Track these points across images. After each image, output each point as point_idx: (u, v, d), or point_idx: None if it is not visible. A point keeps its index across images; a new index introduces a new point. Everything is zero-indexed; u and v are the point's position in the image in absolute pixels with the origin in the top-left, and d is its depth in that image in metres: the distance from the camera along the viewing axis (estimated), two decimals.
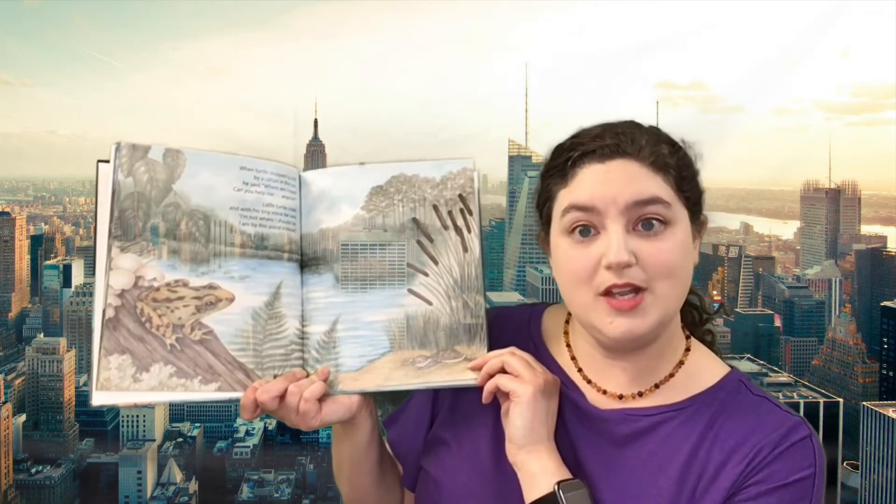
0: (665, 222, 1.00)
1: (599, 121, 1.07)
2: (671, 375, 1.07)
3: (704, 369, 1.09)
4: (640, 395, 1.07)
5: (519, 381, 1.03)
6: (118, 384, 0.98)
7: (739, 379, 1.08)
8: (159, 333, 1.00)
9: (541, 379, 1.03)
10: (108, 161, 1.01)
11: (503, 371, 1.05)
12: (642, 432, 1.05)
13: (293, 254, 1.09)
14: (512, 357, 1.04)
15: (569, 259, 1.02)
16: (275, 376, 1.04)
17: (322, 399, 1.05)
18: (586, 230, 1.01)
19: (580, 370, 1.10)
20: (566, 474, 1.01)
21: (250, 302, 1.04)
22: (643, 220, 1.00)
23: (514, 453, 1.03)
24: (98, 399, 0.98)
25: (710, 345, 1.15)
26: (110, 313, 0.98)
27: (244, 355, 1.03)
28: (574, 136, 1.06)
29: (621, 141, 1.02)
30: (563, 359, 1.13)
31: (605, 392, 1.08)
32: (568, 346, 1.13)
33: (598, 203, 1.00)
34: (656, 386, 1.07)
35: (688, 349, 1.10)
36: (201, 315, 1.02)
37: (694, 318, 1.17)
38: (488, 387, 1.05)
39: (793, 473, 0.99)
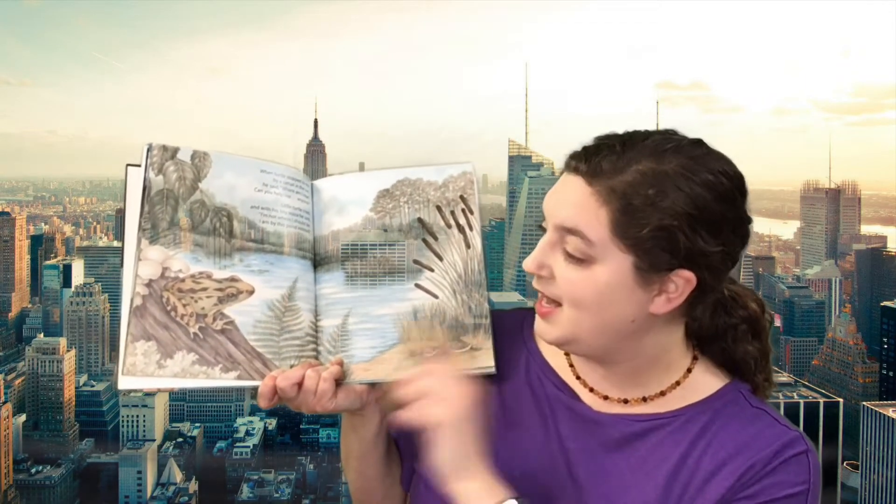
0: (582, 258, 0.97)
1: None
2: (662, 394, 1.06)
3: (704, 382, 1.07)
4: (626, 402, 1.06)
5: (433, 416, 0.98)
6: (143, 369, 1.01)
7: (739, 390, 1.06)
8: (183, 322, 1.04)
9: (454, 407, 0.98)
10: (137, 165, 1.06)
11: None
12: (634, 437, 1.04)
13: (307, 252, 1.13)
14: (422, 389, 1.00)
15: None
16: (290, 366, 1.08)
17: (336, 384, 1.08)
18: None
19: (579, 378, 1.10)
20: (507, 493, 0.95)
21: (268, 294, 1.08)
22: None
23: (448, 484, 0.97)
24: (124, 383, 1.01)
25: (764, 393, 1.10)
26: (138, 301, 1.02)
27: (262, 345, 1.07)
28: (595, 138, 1.02)
29: (586, 157, 0.98)
30: (557, 361, 1.13)
31: (596, 394, 1.08)
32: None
33: (545, 213, 1.03)
34: (644, 399, 1.06)
35: (690, 370, 1.07)
36: (223, 306, 1.06)
37: (752, 381, 1.09)
38: (400, 417, 1.01)
39: (784, 489, 0.96)
